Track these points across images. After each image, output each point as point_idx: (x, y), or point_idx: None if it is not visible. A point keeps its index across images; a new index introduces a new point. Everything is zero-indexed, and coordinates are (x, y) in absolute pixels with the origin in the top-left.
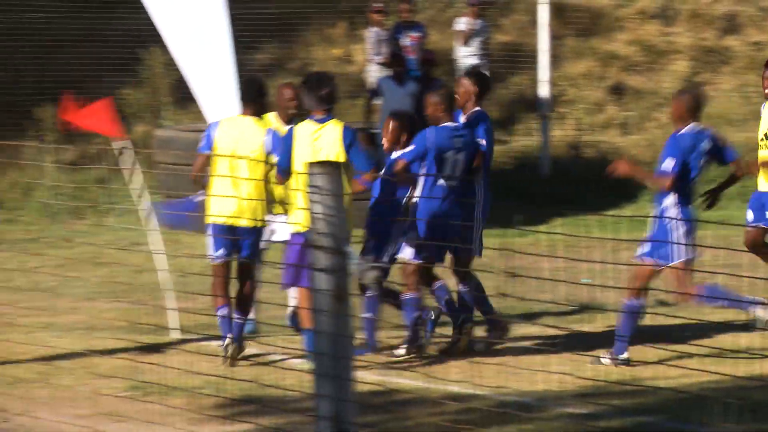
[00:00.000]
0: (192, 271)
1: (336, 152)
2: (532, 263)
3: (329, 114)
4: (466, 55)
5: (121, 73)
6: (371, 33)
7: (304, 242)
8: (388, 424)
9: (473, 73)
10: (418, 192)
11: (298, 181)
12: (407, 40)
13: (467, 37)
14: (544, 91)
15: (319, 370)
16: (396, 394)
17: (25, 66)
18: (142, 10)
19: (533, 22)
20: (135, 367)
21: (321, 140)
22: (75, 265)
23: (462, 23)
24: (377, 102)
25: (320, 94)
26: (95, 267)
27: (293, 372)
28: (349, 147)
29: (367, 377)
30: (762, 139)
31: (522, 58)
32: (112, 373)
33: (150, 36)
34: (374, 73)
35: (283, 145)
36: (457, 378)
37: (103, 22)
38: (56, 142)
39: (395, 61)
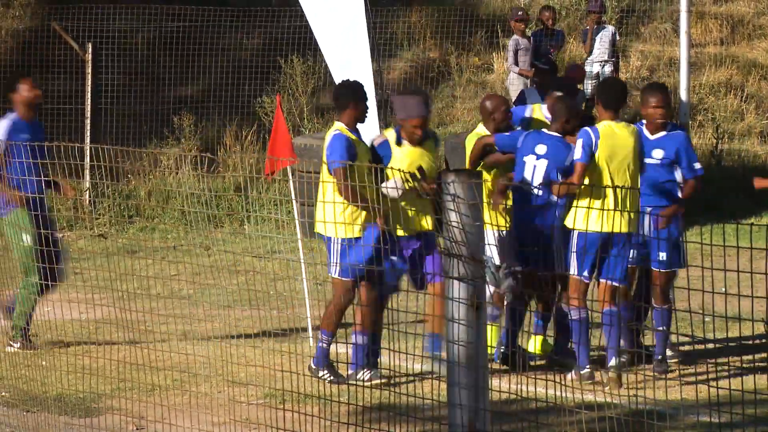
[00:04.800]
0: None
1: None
2: None
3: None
4: (592, 62)
5: (260, 81)
6: (511, 42)
7: None
8: None
9: None
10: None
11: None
12: (547, 48)
13: (591, 45)
14: (683, 98)
15: (454, 379)
16: (530, 402)
17: (165, 75)
18: (280, 18)
19: (674, 30)
20: (271, 375)
21: None
22: (212, 273)
23: (585, 31)
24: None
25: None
26: (232, 275)
27: (428, 380)
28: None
29: (502, 385)
30: None
31: (661, 65)
32: (248, 380)
33: (288, 44)
34: (515, 81)
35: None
36: (592, 386)
37: (242, 31)
38: (197, 151)
39: (539, 73)
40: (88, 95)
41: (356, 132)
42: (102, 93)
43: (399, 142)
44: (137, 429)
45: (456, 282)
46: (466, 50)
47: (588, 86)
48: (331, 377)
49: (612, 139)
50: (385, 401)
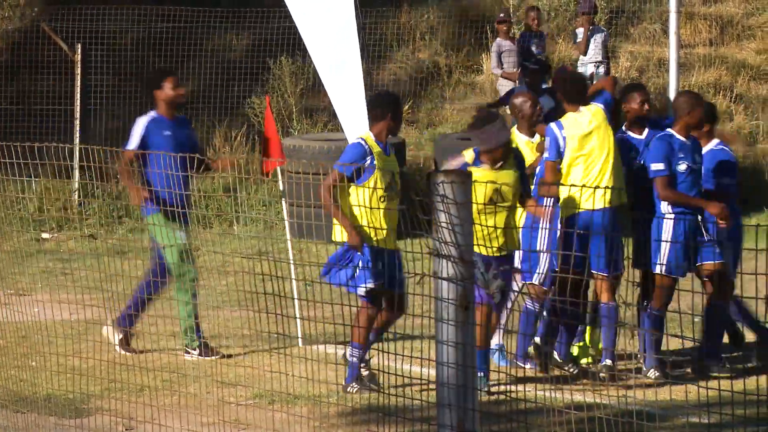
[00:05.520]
0: (316, 280)
1: None
2: None
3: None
4: (585, 63)
5: (249, 82)
6: (494, 45)
7: None
8: None
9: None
10: None
11: None
12: (533, 48)
13: (585, 46)
14: (672, 99)
15: (443, 379)
16: (520, 402)
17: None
18: (270, 19)
19: (663, 31)
20: (260, 376)
21: None
22: (201, 273)
23: (579, 33)
24: (505, 108)
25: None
26: (221, 275)
27: (417, 380)
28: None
29: (491, 386)
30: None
31: (651, 66)
32: (237, 381)
33: (278, 45)
34: (504, 84)
35: None
36: (581, 387)
37: (232, 32)
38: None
39: (527, 73)
40: (78, 96)
41: (382, 144)
42: (91, 94)
43: (477, 165)
44: (126, 429)
45: (445, 282)
46: (455, 51)
47: None
48: (360, 388)
49: (577, 128)
50: (374, 402)
